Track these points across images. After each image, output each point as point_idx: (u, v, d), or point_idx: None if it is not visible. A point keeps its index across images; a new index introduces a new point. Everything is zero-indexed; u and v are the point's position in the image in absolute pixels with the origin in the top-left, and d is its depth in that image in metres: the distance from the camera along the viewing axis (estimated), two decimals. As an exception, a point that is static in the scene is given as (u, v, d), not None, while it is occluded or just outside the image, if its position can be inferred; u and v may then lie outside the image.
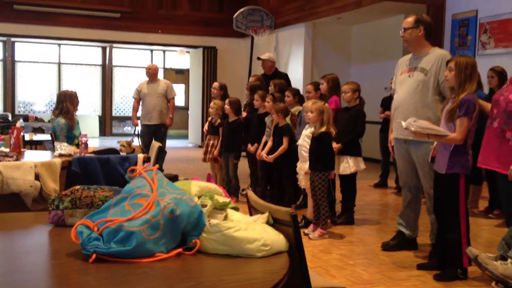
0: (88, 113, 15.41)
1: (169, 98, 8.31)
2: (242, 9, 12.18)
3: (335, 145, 5.14)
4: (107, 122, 15.77)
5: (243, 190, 6.88)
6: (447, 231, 3.78)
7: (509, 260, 3.18)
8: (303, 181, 5.29)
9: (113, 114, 16.05)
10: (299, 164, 5.37)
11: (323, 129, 4.83)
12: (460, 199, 3.69)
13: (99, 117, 15.67)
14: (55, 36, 13.20)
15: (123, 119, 16.51)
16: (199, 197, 2.06)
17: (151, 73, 8.25)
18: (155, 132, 8.20)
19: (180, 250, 1.78)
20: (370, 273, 4.01)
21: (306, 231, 5.04)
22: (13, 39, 13.82)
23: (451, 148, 3.69)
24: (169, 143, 10.01)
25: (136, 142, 8.00)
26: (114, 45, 14.85)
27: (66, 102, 5.43)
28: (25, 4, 12.44)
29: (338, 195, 5.73)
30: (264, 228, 1.87)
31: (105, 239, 1.72)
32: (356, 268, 4.12)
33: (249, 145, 6.58)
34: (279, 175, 6.10)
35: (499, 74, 5.92)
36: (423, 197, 4.43)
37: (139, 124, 8.45)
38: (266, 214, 1.99)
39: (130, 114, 15.57)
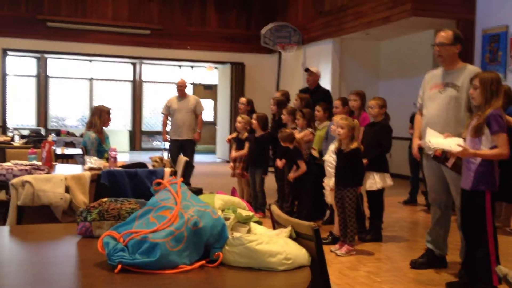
0: (118, 128, 15.66)
1: (198, 114, 8.44)
2: (269, 25, 12.28)
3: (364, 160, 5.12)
4: (137, 137, 16.00)
5: (269, 205, 6.86)
6: (475, 249, 3.72)
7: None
8: (329, 197, 5.27)
9: (143, 129, 16.28)
10: (325, 180, 5.36)
11: (355, 145, 4.83)
12: (487, 216, 3.63)
13: (129, 132, 15.91)
14: (87, 52, 13.52)
15: (152, 134, 16.73)
16: (222, 211, 2.08)
17: (182, 89, 8.41)
18: (183, 147, 8.31)
19: (203, 262, 1.80)
20: (397, 290, 3.97)
21: (332, 248, 5.00)
22: (46, 55, 14.19)
23: (477, 164, 3.64)
24: (197, 158, 10.10)
25: (165, 157, 8.10)
26: (144, 61, 15.11)
27: (95, 117, 5.55)
28: (58, 22, 12.78)
29: (366, 212, 5.69)
30: (286, 241, 1.88)
31: (130, 250, 1.75)
32: (384, 286, 4.07)
33: (277, 160, 6.58)
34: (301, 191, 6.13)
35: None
36: (453, 214, 4.37)
37: (168, 139, 8.59)
38: (289, 228, 2.00)
39: (159, 129, 15.80)
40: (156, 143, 16.69)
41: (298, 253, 1.86)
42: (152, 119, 16.52)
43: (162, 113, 8.74)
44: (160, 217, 1.82)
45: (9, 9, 12.49)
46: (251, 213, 2.16)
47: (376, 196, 5.46)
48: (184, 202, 1.88)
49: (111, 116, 5.65)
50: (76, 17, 13.00)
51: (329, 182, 5.24)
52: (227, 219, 1.97)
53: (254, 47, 13.48)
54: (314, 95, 7.21)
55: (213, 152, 15.65)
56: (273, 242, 1.85)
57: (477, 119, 3.70)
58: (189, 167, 8.42)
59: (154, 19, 13.66)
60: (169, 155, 8.43)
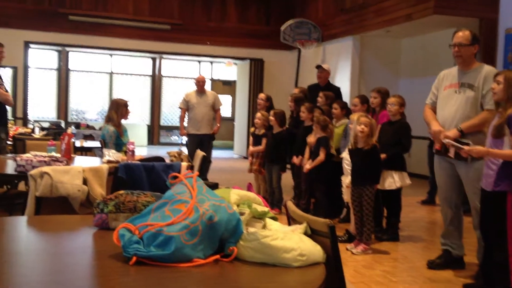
0: (137, 122, 15.76)
1: (216, 109, 8.49)
2: (289, 22, 12.24)
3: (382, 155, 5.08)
4: (155, 131, 16.09)
5: (286, 202, 6.86)
6: (494, 251, 3.67)
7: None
8: (346, 195, 5.24)
9: (161, 124, 16.37)
10: (343, 178, 5.33)
11: (372, 142, 4.80)
12: (507, 218, 3.57)
13: (148, 126, 16.01)
14: (108, 46, 13.62)
15: (170, 129, 16.81)
16: (237, 205, 2.08)
17: (202, 85, 8.44)
18: (201, 142, 8.34)
19: (217, 256, 1.80)
20: (413, 290, 3.93)
21: (348, 246, 4.98)
22: (67, 48, 14.32)
23: (499, 165, 3.58)
24: (215, 153, 10.12)
25: (183, 151, 8.14)
26: (164, 56, 15.17)
27: (112, 111, 5.59)
28: (79, 15, 12.89)
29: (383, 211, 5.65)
30: (301, 238, 1.87)
31: (145, 242, 1.76)
32: (400, 286, 4.04)
33: (294, 157, 6.56)
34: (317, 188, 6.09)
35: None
36: (466, 215, 4.34)
37: (186, 134, 8.64)
38: (304, 224, 1.99)
39: (177, 124, 15.87)
40: (174, 138, 16.77)
41: (313, 249, 1.85)
42: (171, 114, 16.59)
43: (179, 107, 8.75)
44: (175, 210, 1.83)
45: (32, 3, 12.63)
46: (266, 209, 2.16)
47: (394, 195, 5.42)
48: (200, 196, 1.88)
49: (129, 109, 5.66)
50: (97, 11, 13.10)
51: (346, 179, 5.21)
52: (242, 214, 1.96)
53: (274, 43, 13.45)
54: (325, 91, 7.18)
55: (230, 148, 15.68)
56: (288, 238, 1.85)
57: (499, 118, 3.64)
58: (206, 162, 8.45)
59: (174, 14, 13.71)
60: (187, 149, 8.45)
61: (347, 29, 11.53)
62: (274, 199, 6.69)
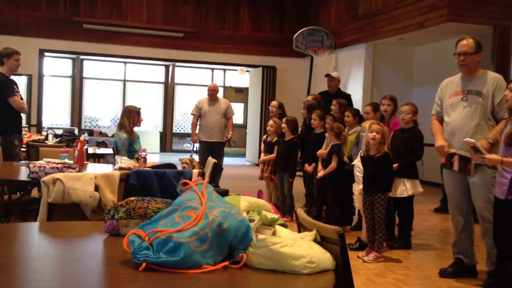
0: (149, 129, 15.85)
1: (229, 117, 8.50)
2: (302, 30, 12.26)
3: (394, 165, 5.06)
4: (168, 138, 16.16)
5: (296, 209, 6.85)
6: (507, 259, 3.63)
7: None
8: (358, 202, 5.22)
9: (174, 131, 16.44)
10: (354, 185, 5.31)
11: (384, 150, 4.79)
12: (521, 226, 3.55)
13: (160, 133, 16.09)
14: (121, 54, 13.74)
15: (182, 136, 16.88)
16: (247, 212, 2.08)
17: (214, 94, 8.44)
18: (213, 149, 8.34)
19: (226, 263, 1.80)
20: (425, 299, 3.90)
21: (360, 254, 4.95)
22: (81, 56, 14.47)
23: (512, 173, 3.56)
24: (227, 160, 10.14)
25: (195, 158, 8.16)
26: (177, 63, 15.27)
27: (124, 118, 5.62)
28: (94, 24, 13.03)
29: (395, 218, 5.62)
30: (310, 245, 1.87)
31: (155, 248, 1.77)
32: (411, 294, 4.01)
33: (306, 165, 6.55)
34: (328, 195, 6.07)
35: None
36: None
37: (198, 141, 8.62)
38: (314, 231, 1.99)
39: (190, 131, 15.93)
40: (187, 145, 16.82)
41: (322, 257, 1.84)
42: (183, 121, 16.66)
43: (192, 113, 8.74)
44: (185, 216, 1.83)
45: (47, 11, 12.79)
46: (276, 216, 2.16)
47: (406, 203, 5.39)
48: (209, 202, 1.89)
49: (141, 116, 5.69)
50: (112, 19, 13.23)
51: (357, 187, 5.19)
52: (251, 220, 1.97)
53: (286, 51, 13.48)
54: (336, 99, 7.18)
55: (243, 155, 15.69)
56: (297, 245, 1.84)
57: (511, 126, 3.62)
58: (218, 170, 8.44)
59: (188, 22, 13.80)
60: (198, 157, 8.47)
61: (359, 36, 11.52)
62: (285, 206, 6.68)
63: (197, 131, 8.59)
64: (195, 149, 8.84)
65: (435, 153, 8.52)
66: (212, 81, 9.30)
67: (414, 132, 5.36)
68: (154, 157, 13.33)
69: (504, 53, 8.85)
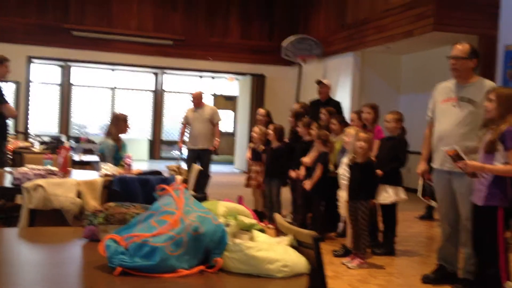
0: (138, 137, 15.81)
1: (214, 123, 8.46)
2: (291, 38, 12.33)
3: (378, 171, 5.10)
4: (157, 146, 16.13)
5: (284, 216, 6.88)
6: (486, 266, 3.68)
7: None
8: (343, 209, 5.25)
9: (163, 138, 16.41)
10: (339, 192, 5.35)
11: (369, 157, 4.83)
12: (498, 232, 3.59)
13: (149, 141, 16.06)
14: (110, 61, 13.72)
15: (172, 144, 16.85)
16: (225, 217, 2.10)
17: (196, 101, 8.45)
18: (200, 157, 8.34)
19: (202, 267, 1.83)
20: (407, 305, 3.93)
21: (344, 260, 4.98)
22: (70, 63, 14.44)
23: (490, 180, 3.61)
24: (215, 168, 10.13)
25: (183, 166, 8.16)
26: (166, 71, 15.27)
27: (111, 125, 5.63)
28: (83, 31, 13.02)
29: (380, 225, 5.65)
30: (286, 249, 1.90)
31: (131, 253, 1.78)
32: (393, 300, 4.04)
33: (291, 171, 6.58)
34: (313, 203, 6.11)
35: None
36: None
37: (185, 149, 8.65)
38: (290, 236, 2.01)
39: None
40: (176, 153, 16.80)
41: (297, 261, 1.87)
42: (172, 129, 16.64)
43: (181, 123, 8.84)
44: (161, 221, 1.86)
45: (36, 17, 12.76)
46: (254, 221, 2.19)
47: (390, 210, 5.43)
48: (186, 207, 1.91)
49: (128, 123, 5.70)
50: (101, 27, 13.22)
51: (343, 194, 5.23)
52: (227, 225, 1.99)
53: (275, 59, 13.54)
54: (326, 107, 7.22)
55: (231, 162, 15.70)
56: (273, 250, 1.87)
57: (491, 135, 3.67)
58: (205, 177, 8.43)
59: (177, 30, 13.82)
60: (186, 164, 8.47)
61: (348, 45, 11.61)
62: (272, 214, 6.69)
63: (187, 139, 8.63)
64: (183, 156, 8.87)
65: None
66: (196, 89, 9.27)
67: (399, 140, 5.41)
68: (143, 165, 13.31)
69: (489, 62, 8.95)
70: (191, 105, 8.67)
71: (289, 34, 12.75)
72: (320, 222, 6.01)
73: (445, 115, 4.27)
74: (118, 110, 14.72)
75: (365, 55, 11.56)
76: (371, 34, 10.75)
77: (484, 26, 9.04)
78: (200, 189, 8.03)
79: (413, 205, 8.15)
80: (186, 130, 8.67)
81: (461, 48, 4.21)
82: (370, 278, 4.59)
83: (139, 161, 14.16)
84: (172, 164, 6.69)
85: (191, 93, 8.76)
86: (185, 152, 8.95)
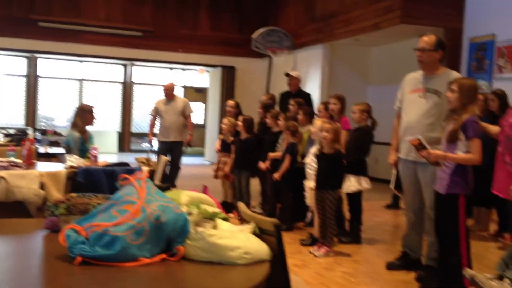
0: (108, 129, 15.64)
1: (186, 116, 8.41)
2: (261, 30, 12.32)
3: (343, 161, 5.17)
4: (126, 138, 15.98)
5: (253, 207, 6.92)
6: (448, 252, 3.77)
7: (505, 279, 3.16)
8: (309, 199, 5.31)
9: (132, 131, 16.27)
10: (306, 182, 5.40)
11: (337, 148, 4.89)
12: (459, 220, 3.68)
13: (118, 133, 15.90)
14: (78, 53, 13.51)
15: (141, 136, 16.72)
16: (188, 206, 2.11)
17: (168, 93, 8.39)
18: (171, 149, 8.30)
19: (164, 255, 1.84)
20: (372, 292, 4.01)
21: (311, 249, 5.05)
22: (36, 55, 14.17)
23: (452, 168, 3.69)
24: (186, 160, 10.10)
25: (153, 158, 8.10)
26: (135, 62, 15.12)
27: (77, 116, 5.56)
28: (50, 22, 12.78)
29: (347, 214, 5.74)
30: (247, 237, 1.92)
31: (91, 243, 1.78)
32: (358, 286, 4.11)
33: (260, 162, 6.61)
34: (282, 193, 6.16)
35: (500, 97, 5.89)
36: None
37: (156, 141, 8.57)
38: (253, 224, 2.04)
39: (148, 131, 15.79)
40: (146, 145, 16.67)
41: (259, 248, 1.90)
42: (142, 121, 16.50)
43: (150, 114, 8.74)
44: (122, 211, 1.86)
45: (1, 8, 12.46)
46: (217, 210, 2.20)
47: (355, 199, 5.51)
48: (148, 197, 1.92)
49: (94, 115, 5.64)
50: (69, 18, 12.98)
51: (309, 184, 5.28)
52: (190, 214, 2.00)
53: (245, 51, 13.52)
54: (296, 98, 7.26)
55: (202, 154, 15.67)
56: (234, 237, 1.89)
57: (453, 124, 3.76)
58: (175, 169, 8.43)
59: (146, 21, 13.68)
60: (157, 156, 8.42)
61: (317, 37, 11.68)
62: (241, 205, 6.71)
63: (158, 131, 8.54)
64: (153, 149, 8.81)
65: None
66: (168, 81, 9.12)
67: (364, 130, 5.48)
68: (112, 157, 13.17)
69: (454, 55, 9.13)
70: (161, 97, 8.62)
71: (259, 26, 12.73)
72: (289, 212, 6.07)
73: (412, 106, 4.33)
74: (86, 102, 14.54)
75: (334, 47, 11.65)
76: (340, 27, 10.83)
77: (450, 19, 9.20)
78: (170, 181, 8.00)
79: (380, 195, 8.31)
80: (156, 122, 8.59)
81: (427, 40, 4.26)
82: (336, 266, 4.66)
83: (108, 153, 14.01)
84: (142, 156, 6.65)
85: (163, 85, 8.67)
86: (155, 144, 8.88)
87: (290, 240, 5.51)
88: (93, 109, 5.66)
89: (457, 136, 3.70)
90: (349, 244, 5.41)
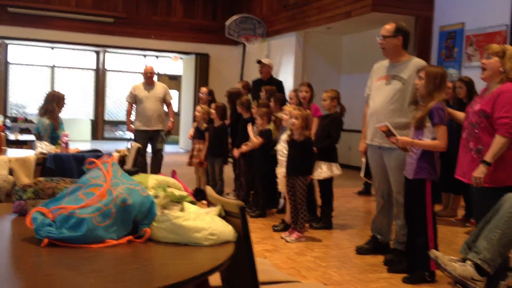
0: (80, 117, 15.48)
1: (168, 103, 7.96)
2: (234, 17, 12.31)
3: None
4: (99, 126, 15.85)
5: (227, 194, 6.97)
6: (416, 236, 3.88)
7: (467, 261, 3.27)
8: (281, 185, 5.38)
9: (105, 119, 16.13)
10: (277, 169, 5.46)
11: (307, 135, 4.95)
12: (427, 204, 3.79)
13: (92, 121, 15.75)
14: (49, 39, 13.30)
15: (115, 124, 16.59)
16: (154, 189, 2.14)
17: (150, 76, 7.85)
18: (153, 138, 7.85)
19: (130, 237, 1.87)
20: (341, 274, 4.10)
21: (283, 235, 5.12)
22: (6, 41, 13.91)
23: (419, 154, 3.79)
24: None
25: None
26: (108, 49, 14.95)
27: (53, 103, 5.52)
28: (19, 7, 12.55)
29: (319, 200, 5.82)
30: (213, 219, 1.96)
31: (57, 225, 1.80)
32: (328, 270, 4.20)
33: (235, 150, 6.65)
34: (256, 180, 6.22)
35: (467, 85, 6.03)
36: None
37: (133, 128, 7.92)
38: (218, 207, 2.08)
39: (122, 119, 15.67)
40: (120, 133, 16.56)
41: (224, 229, 1.94)
42: (115, 109, 16.38)
43: (126, 101, 8.06)
44: (89, 193, 1.88)
45: (-32, -7, 12.21)
46: (185, 193, 2.23)
47: (326, 185, 5.60)
48: (114, 180, 1.94)
49: (64, 101, 5.62)
50: (38, 3, 12.77)
51: (280, 170, 5.34)
52: (156, 197, 2.03)
53: (219, 38, 13.50)
54: (267, 86, 7.29)
55: (176, 142, 15.65)
56: (200, 219, 1.93)
57: (421, 111, 3.85)
58: (158, 157, 8.12)
59: (118, 7, 13.53)
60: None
61: (290, 25, 11.71)
62: (216, 191, 6.74)
63: (133, 119, 7.96)
64: (131, 137, 8.21)
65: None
66: (146, 65, 8.68)
67: (334, 117, 5.56)
68: (85, 146, 13.05)
69: (425, 43, 9.27)
70: (138, 82, 8.07)
71: (233, 13, 12.73)
72: (262, 198, 6.13)
73: (378, 92, 4.43)
74: (58, 89, 14.33)
75: (307, 35, 11.71)
76: (313, 14, 10.88)
77: (420, 7, 9.33)
78: (154, 171, 7.70)
79: (352, 182, 8.43)
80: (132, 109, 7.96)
81: (388, 27, 4.37)
82: (307, 250, 4.74)
83: (82, 141, 13.89)
84: (122, 148, 6.52)
85: (142, 69, 8.07)
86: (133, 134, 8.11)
87: (263, 226, 5.58)
88: (63, 96, 5.64)
89: (424, 123, 3.80)
90: (321, 229, 5.51)
